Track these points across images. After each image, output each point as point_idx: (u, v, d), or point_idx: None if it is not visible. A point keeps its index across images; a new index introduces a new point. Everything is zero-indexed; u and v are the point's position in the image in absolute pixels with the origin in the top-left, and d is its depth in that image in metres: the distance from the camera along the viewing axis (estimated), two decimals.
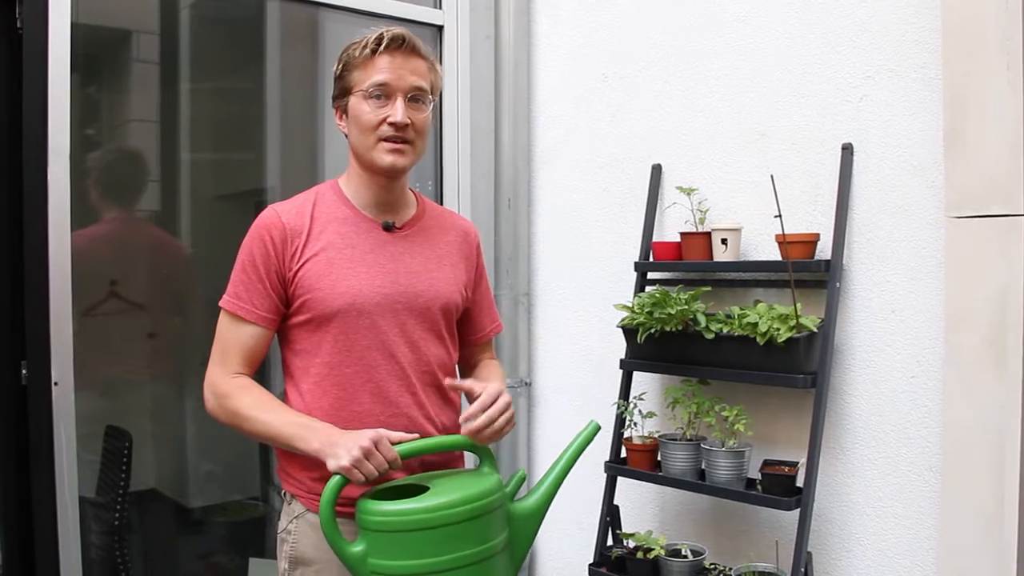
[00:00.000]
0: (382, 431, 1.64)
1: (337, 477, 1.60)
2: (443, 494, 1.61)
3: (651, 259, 2.70)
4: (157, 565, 2.93)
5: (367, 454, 1.58)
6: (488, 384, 1.74)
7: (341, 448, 1.59)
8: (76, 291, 2.30)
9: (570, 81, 3.09)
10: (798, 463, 2.33)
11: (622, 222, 2.90)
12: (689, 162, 2.71)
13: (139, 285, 2.74)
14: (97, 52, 2.84)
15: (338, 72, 1.81)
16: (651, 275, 2.73)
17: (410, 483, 1.69)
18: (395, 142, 1.75)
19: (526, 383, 3.19)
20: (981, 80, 2.02)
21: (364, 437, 1.59)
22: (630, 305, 2.57)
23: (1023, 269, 1.96)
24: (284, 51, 3.09)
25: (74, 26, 2.36)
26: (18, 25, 2.24)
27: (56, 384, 2.24)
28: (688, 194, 2.61)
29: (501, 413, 1.70)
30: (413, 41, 1.77)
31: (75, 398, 2.28)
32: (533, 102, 3.21)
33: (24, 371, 2.24)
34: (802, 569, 2.23)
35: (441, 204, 3.08)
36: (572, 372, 3.09)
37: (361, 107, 1.76)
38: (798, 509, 2.27)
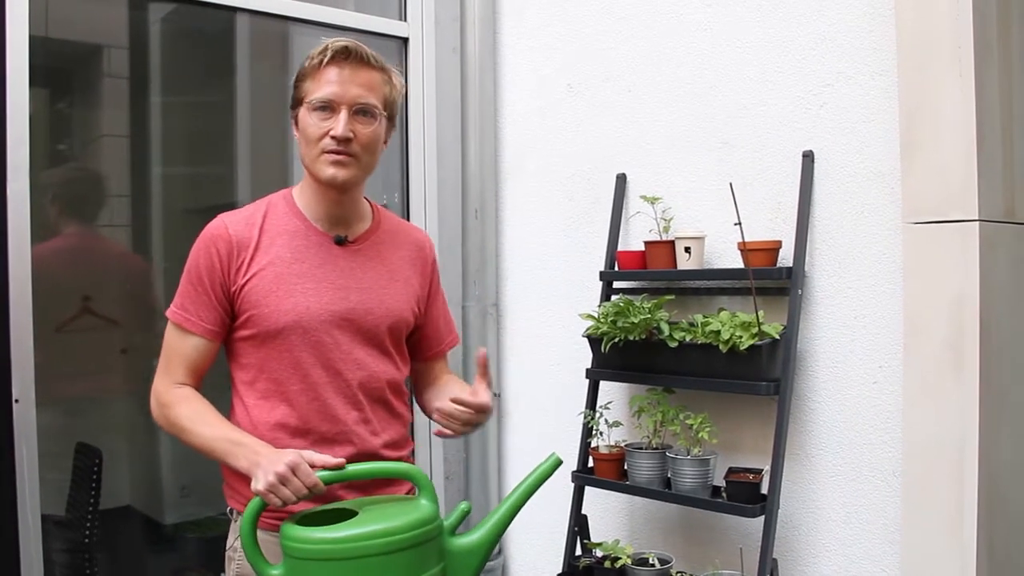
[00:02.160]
0: (305, 454, 1.58)
1: (256, 499, 1.56)
2: (369, 523, 1.53)
3: (616, 268, 2.71)
4: None
5: (283, 479, 1.53)
6: (486, 395, 1.71)
7: (260, 470, 1.55)
8: (37, 306, 2.28)
9: (536, 92, 3.10)
10: (763, 470, 2.33)
11: (588, 231, 2.91)
12: (653, 171, 2.72)
13: (104, 300, 2.72)
14: (67, 67, 2.83)
15: (294, 82, 1.79)
16: (617, 284, 2.74)
17: (344, 507, 1.62)
18: (337, 155, 1.71)
19: (495, 394, 3.19)
20: (935, 88, 2.04)
21: (281, 461, 1.54)
22: (595, 315, 2.57)
23: (979, 274, 1.98)
24: (254, 65, 3.09)
25: (44, 40, 2.36)
26: None
27: (17, 401, 2.23)
28: (652, 203, 2.62)
29: (474, 420, 1.70)
30: (361, 52, 1.73)
31: (42, 416, 2.27)
32: (499, 113, 3.22)
33: None
34: (767, 575, 2.24)
35: (408, 216, 3.09)
36: (541, 382, 3.09)
37: (307, 119, 1.73)
38: (763, 516, 2.28)
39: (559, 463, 1.71)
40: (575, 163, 2.96)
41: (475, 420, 1.71)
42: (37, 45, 2.32)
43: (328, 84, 1.71)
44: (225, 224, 1.76)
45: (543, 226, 3.07)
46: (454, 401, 1.69)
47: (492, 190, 3.21)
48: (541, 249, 3.09)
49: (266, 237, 1.76)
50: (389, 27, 3.08)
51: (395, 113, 1.83)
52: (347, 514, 1.58)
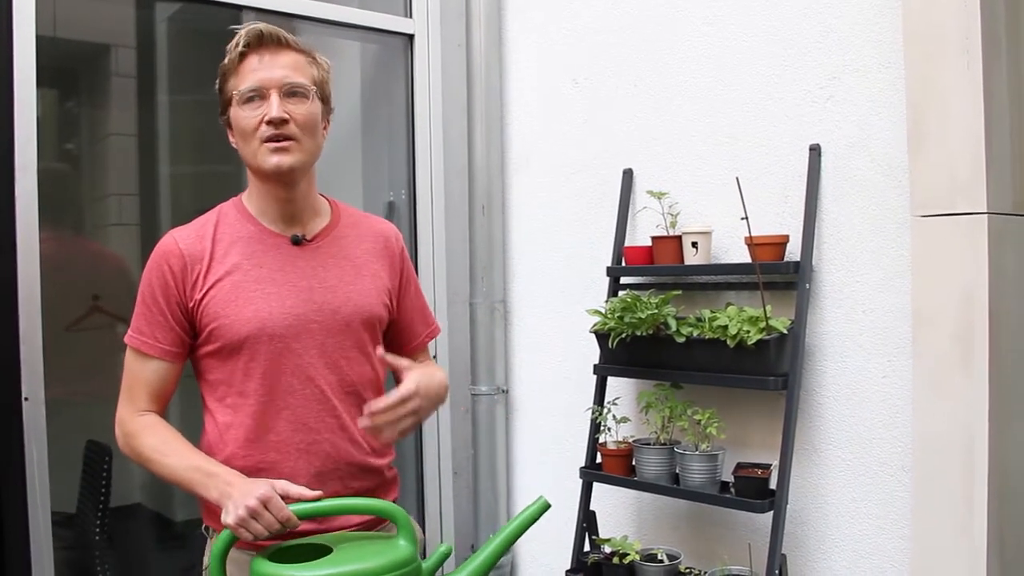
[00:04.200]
0: (279, 486, 1.52)
1: (226, 532, 1.50)
2: (343, 563, 1.46)
3: (623, 264, 2.71)
4: None
5: (253, 514, 1.47)
6: (412, 374, 1.62)
7: (231, 503, 1.49)
8: (45, 305, 2.29)
9: (542, 88, 3.09)
10: (771, 465, 2.33)
11: (595, 227, 2.91)
12: (660, 166, 2.71)
13: (113, 299, 2.74)
14: (75, 66, 2.85)
15: (217, 86, 1.72)
16: (624, 279, 2.73)
17: (319, 543, 1.54)
18: (276, 140, 1.64)
19: (503, 390, 3.18)
20: (942, 79, 2.02)
21: (252, 495, 1.48)
22: (602, 310, 2.57)
23: (988, 267, 1.96)
24: None
25: (51, 40, 2.36)
26: None
27: (27, 399, 2.24)
28: (659, 198, 2.61)
29: (408, 414, 1.60)
30: (277, 35, 1.67)
31: (54, 414, 2.27)
32: (505, 109, 3.22)
33: None
34: (776, 571, 2.23)
35: (415, 213, 3.10)
36: (548, 378, 3.09)
37: (239, 114, 1.66)
38: (771, 511, 2.27)
39: (546, 507, 1.65)
40: (581, 158, 2.95)
41: (406, 412, 1.60)
42: (45, 45, 2.32)
43: (251, 72, 1.65)
44: (175, 240, 1.70)
45: (550, 222, 3.07)
46: (370, 414, 1.59)
47: (499, 186, 3.21)
48: (548, 245, 3.08)
49: (220, 247, 1.70)
50: (394, 23, 3.08)
51: (328, 95, 1.76)
52: (322, 550, 1.51)
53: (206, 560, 1.73)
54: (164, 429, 1.68)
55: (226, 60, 1.69)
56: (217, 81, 1.73)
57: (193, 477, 1.59)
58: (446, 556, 1.62)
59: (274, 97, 1.64)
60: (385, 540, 1.57)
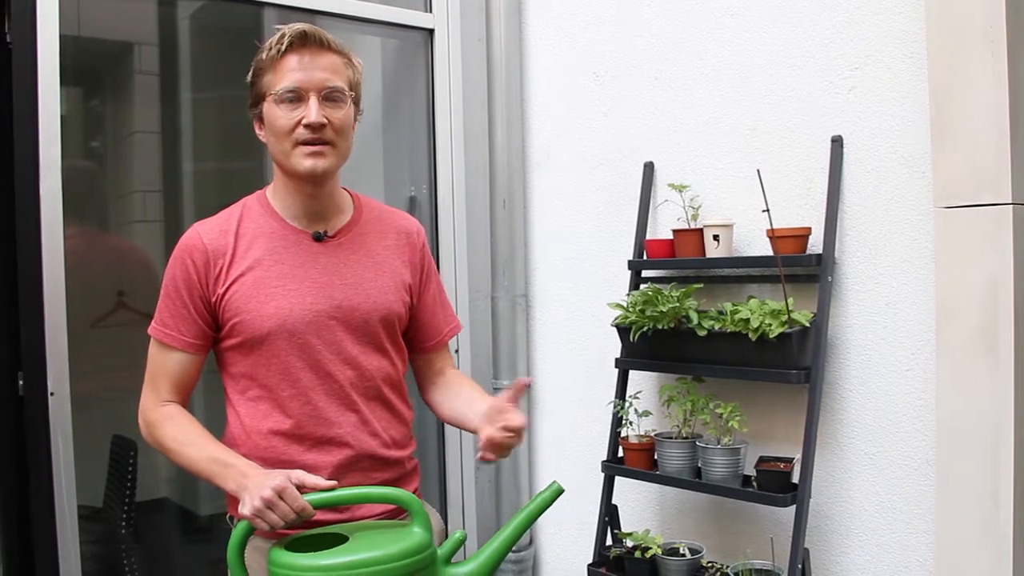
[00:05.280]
0: (293, 476, 1.53)
1: (243, 523, 1.52)
2: (358, 550, 1.48)
3: (644, 257, 2.70)
4: (166, 573, 2.96)
5: (269, 504, 1.48)
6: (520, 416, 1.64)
7: (247, 494, 1.51)
8: (71, 302, 2.32)
9: (562, 81, 3.09)
10: (793, 459, 2.31)
11: (616, 220, 2.90)
12: (681, 159, 2.70)
13: (138, 295, 2.76)
14: (99, 65, 2.87)
15: (250, 79, 1.73)
16: (645, 273, 2.72)
17: (335, 532, 1.57)
18: (312, 144, 1.65)
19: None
20: (966, 69, 2.00)
21: (267, 486, 1.49)
22: (623, 304, 2.56)
23: (1012, 258, 1.94)
24: None
25: (75, 39, 2.38)
26: (7, 40, 2.26)
27: (52, 394, 2.26)
28: (680, 191, 2.61)
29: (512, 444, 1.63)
30: (320, 36, 1.67)
31: (80, 408, 2.30)
32: (526, 103, 3.21)
33: (20, 382, 2.26)
34: (799, 566, 2.22)
35: (436, 207, 3.10)
36: (570, 372, 3.08)
37: (274, 112, 1.67)
38: (794, 505, 2.26)
39: (560, 492, 1.65)
40: (602, 152, 2.95)
41: (516, 443, 1.64)
42: (68, 44, 2.34)
43: (291, 72, 1.65)
44: (199, 233, 1.72)
45: (571, 215, 3.07)
46: (504, 428, 1.60)
47: (520, 180, 3.20)
48: (569, 239, 3.08)
49: (242, 242, 1.71)
50: (415, 18, 3.08)
51: (360, 97, 1.77)
52: (338, 539, 1.53)
53: None
54: (185, 420, 1.70)
55: (264, 55, 1.69)
56: (250, 74, 1.73)
57: (211, 468, 1.61)
58: (461, 542, 1.61)
59: (313, 101, 1.65)
60: (400, 528, 1.58)
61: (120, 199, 2.89)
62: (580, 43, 3.01)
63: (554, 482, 1.66)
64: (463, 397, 1.86)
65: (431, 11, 3.11)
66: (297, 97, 1.65)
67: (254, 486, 1.51)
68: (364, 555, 1.47)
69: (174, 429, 1.68)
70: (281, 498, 1.49)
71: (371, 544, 1.50)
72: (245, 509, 1.50)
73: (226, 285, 1.69)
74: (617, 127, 2.89)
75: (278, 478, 1.51)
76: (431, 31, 3.11)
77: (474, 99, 3.17)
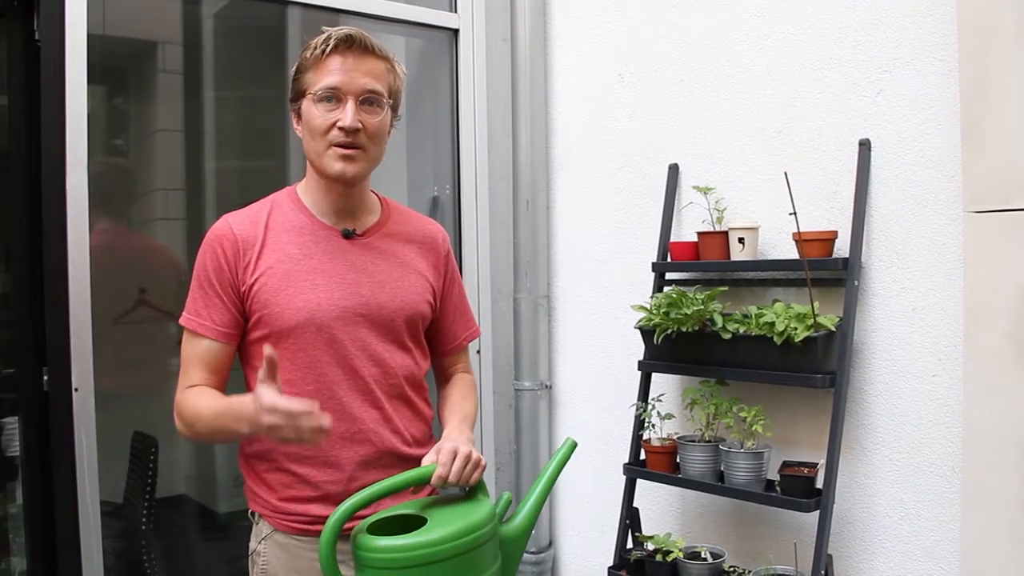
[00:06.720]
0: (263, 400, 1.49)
1: (328, 523, 1.52)
2: (444, 526, 1.53)
3: (669, 259, 2.69)
4: (185, 568, 2.97)
5: (272, 429, 1.49)
6: (443, 446, 1.64)
7: (254, 426, 1.52)
8: (95, 298, 2.33)
9: (586, 82, 3.08)
10: (817, 464, 2.30)
11: (640, 223, 2.89)
12: (706, 161, 2.69)
13: (159, 293, 2.78)
14: (123, 63, 2.89)
15: (293, 74, 1.74)
16: (669, 275, 2.71)
17: (402, 513, 1.60)
18: (345, 148, 1.67)
19: (547, 386, 3.18)
20: (998, 71, 1.98)
21: (258, 416, 1.49)
22: (647, 306, 2.55)
23: None
24: None
25: (101, 38, 2.39)
26: (36, 37, 2.28)
27: (76, 390, 2.28)
28: (705, 193, 2.59)
29: (464, 468, 1.62)
30: (365, 40, 1.68)
31: (102, 405, 2.31)
32: (550, 104, 3.21)
33: (45, 377, 2.28)
34: (822, 572, 2.20)
35: (459, 208, 3.10)
36: (592, 374, 3.07)
37: (311, 111, 1.68)
38: (818, 511, 2.24)
39: (575, 445, 1.76)
40: (626, 153, 2.94)
41: (459, 474, 1.62)
42: (94, 43, 2.35)
43: (333, 73, 1.66)
44: (229, 224, 1.73)
45: (594, 217, 3.06)
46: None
47: (543, 181, 3.20)
48: (592, 240, 3.07)
49: (272, 234, 1.72)
50: (439, 18, 3.09)
51: (399, 103, 1.79)
52: (414, 519, 1.57)
53: (252, 544, 1.77)
54: (202, 391, 1.69)
55: (308, 54, 1.70)
56: (293, 70, 1.75)
57: (223, 424, 1.62)
58: (509, 503, 1.70)
59: (350, 104, 1.66)
60: (468, 501, 1.65)
61: (143, 196, 2.91)
62: (605, 44, 3.00)
63: (568, 438, 1.78)
64: (448, 403, 1.90)
65: (456, 11, 3.11)
66: (335, 98, 1.67)
67: (254, 420, 1.51)
68: (453, 528, 1.53)
69: (192, 402, 1.67)
70: (279, 414, 1.48)
71: (452, 518, 1.56)
72: (272, 436, 1.51)
73: (255, 276, 1.70)
74: (642, 128, 2.88)
75: (253, 407, 1.51)
76: (456, 31, 3.11)
77: (498, 99, 3.17)
